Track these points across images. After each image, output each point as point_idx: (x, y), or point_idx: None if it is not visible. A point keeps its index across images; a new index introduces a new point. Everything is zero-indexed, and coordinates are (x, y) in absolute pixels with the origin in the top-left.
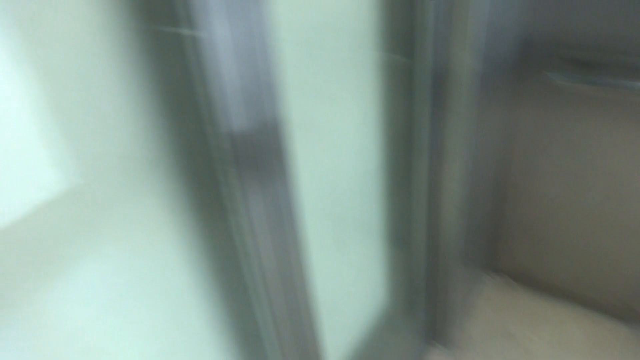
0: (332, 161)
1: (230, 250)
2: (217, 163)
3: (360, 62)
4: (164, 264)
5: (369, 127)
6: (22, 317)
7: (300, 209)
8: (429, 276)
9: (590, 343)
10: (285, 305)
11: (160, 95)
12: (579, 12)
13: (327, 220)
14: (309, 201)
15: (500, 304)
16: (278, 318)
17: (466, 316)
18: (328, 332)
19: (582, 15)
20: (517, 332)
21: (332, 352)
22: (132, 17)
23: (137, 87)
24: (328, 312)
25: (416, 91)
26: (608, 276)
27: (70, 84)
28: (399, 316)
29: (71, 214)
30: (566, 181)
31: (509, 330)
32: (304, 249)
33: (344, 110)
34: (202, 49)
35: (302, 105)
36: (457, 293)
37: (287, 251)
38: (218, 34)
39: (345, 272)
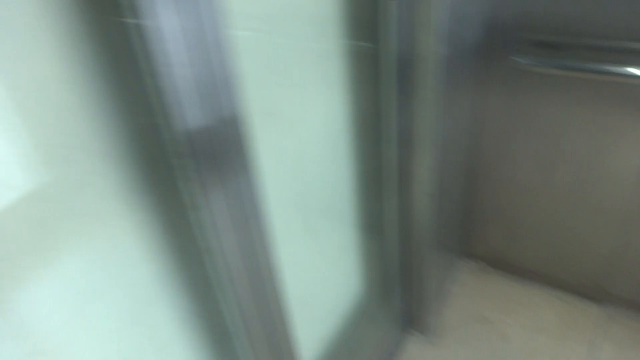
0: (299, 150)
1: (193, 246)
2: (173, 157)
3: (324, 49)
4: (126, 261)
5: (336, 115)
6: None
7: (266, 201)
8: (403, 264)
9: (562, 324)
10: (253, 301)
11: (112, 86)
12: None
13: (296, 211)
14: (275, 192)
15: (475, 289)
16: (246, 314)
17: (442, 303)
18: (301, 325)
19: None
20: (493, 317)
21: (306, 345)
22: (80, 6)
23: (87, 78)
24: (300, 304)
25: (382, 78)
26: (579, 257)
27: (15, 76)
28: (374, 305)
29: (26, 210)
30: (535, 164)
31: (484, 315)
32: (271, 242)
33: (310, 99)
34: (149, 39)
35: (266, 95)
36: (432, 280)
37: (252, 245)
38: (165, 22)
39: (318, 263)
